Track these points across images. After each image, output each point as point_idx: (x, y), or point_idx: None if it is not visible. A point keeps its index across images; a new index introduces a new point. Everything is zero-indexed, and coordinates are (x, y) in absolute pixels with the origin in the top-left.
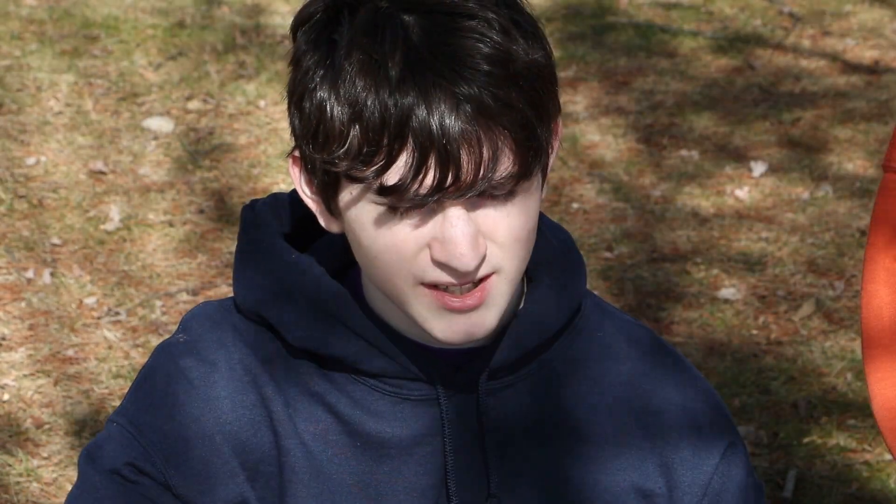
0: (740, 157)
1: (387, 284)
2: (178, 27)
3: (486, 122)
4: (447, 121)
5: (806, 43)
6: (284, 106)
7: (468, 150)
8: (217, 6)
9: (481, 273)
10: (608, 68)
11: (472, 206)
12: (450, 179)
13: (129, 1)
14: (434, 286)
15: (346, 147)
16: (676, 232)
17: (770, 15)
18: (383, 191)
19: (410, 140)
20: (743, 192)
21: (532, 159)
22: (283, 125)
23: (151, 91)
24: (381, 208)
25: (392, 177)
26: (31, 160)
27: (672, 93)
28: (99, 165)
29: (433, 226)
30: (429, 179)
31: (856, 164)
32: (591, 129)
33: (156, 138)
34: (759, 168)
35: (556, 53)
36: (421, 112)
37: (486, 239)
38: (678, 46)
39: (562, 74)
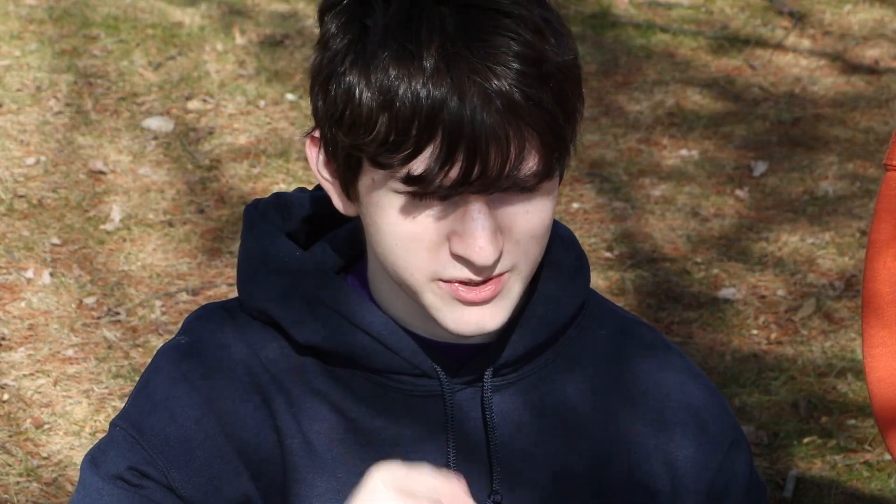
0: (740, 157)
1: (402, 273)
2: (178, 27)
3: (515, 120)
4: (478, 115)
5: (806, 43)
6: (284, 105)
7: (496, 146)
8: (217, 6)
9: (498, 270)
10: (608, 68)
11: (493, 202)
12: (476, 174)
13: (128, 1)
14: (449, 281)
15: (373, 134)
16: (676, 232)
17: (770, 15)
18: (408, 180)
19: (440, 132)
20: (743, 192)
21: (557, 159)
22: (283, 125)
23: (151, 91)
24: (404, 197)
25: (418, 166)
26: (30, 160)
27: (672, 93)
28: (99, 165)
29: (454, 219)
30: (455, 172)
31: (856, 164)
32: (591, 129)
33: (156, 138)
34: (759, 168)
35: None
36: (453, 104)
37: (504, 235)
38: (678, 46)
39: None
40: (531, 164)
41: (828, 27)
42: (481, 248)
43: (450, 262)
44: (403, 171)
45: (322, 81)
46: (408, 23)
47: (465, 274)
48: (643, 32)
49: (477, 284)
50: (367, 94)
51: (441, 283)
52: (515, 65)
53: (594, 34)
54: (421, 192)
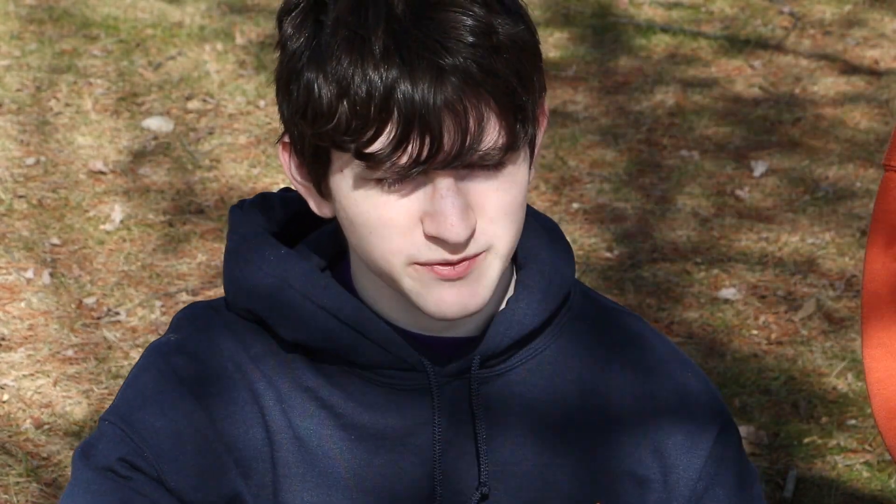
0: (740, 157)
1: (379, 262)
2: (178, 27)
3: (471, 91)
4: (431, 92)
5: (806, 43)
6: None
7: (454, 119)
8: (217, 6)
9: (473, 250)
10: (608, 68)
11: (461, 178)
12: (433, 151)
13: (128, 1)
14: (425, 264)
15: (334, 122)
16: (676, 232)
17: (770, 15)
18: (368, 161)
19: (395, 112)
20: (743, 192)
21: (519, 129)
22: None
23: (151, 91)
24: (371, 183)
25: (377, 147)
26: (30, 160)
27: (672, 93)
28: (99, 165)
29: (424, 199)
30: (412, 150)
31: (856, 164)
32: (591, 129)
33: (156, 138)
34: (759, 168)
35: (556, 53)
36: (405, 84)
37: (477, 214)
38: (678, 46)
39: (562, 74)
40: (493, 136)
41: (828, 27)
42: (452, 224)
43: (424, 244)
44: (364, 153)
45: (283, 84)
46: (357, 10)
47: (441, 255)
48: (643, 32)
49: (454, 265)
50: (325, 88)
51: (418, 267)
52: (467, 38)
53: (594, 34)
54: (385, 173)
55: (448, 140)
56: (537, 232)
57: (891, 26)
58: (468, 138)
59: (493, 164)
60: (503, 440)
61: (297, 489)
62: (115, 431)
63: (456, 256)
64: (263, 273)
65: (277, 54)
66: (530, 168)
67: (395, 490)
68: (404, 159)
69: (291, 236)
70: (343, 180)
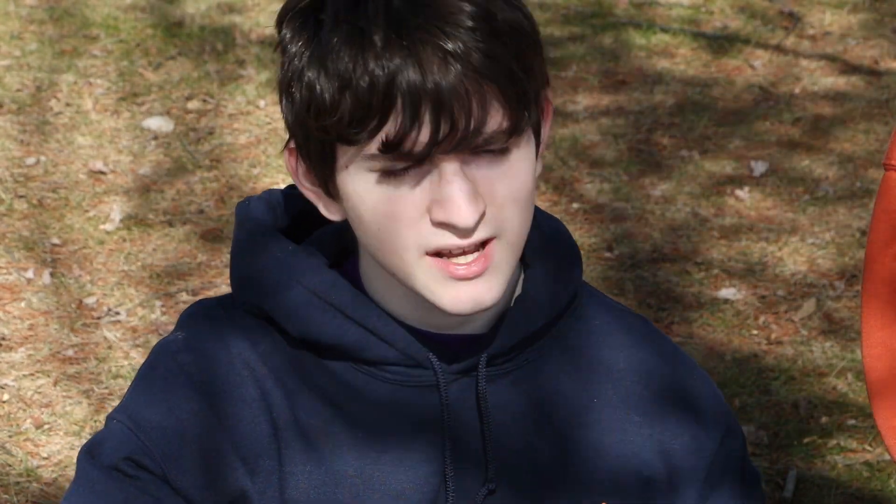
0: (740, 157)
1: (392, 258)
2: (178, 27)
3: (473, 76)
4: (433, 77)
5: (806, 43)
6: None
7: (458, 103)
8: (216, 6)
9: (482, 235)
10: (608, 68)
11: (466, 164)
12: (438, 135)
13: (129, 1)
14: (438, 254)
15: (337, 116)
16: (676, 232)
17: (770, 15)
18: (382, 149)
19: (399, 99)
20: (743, 192)
21: (522, 112)
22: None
23: (151, 91)
24: (377, 176)
25: (382, 136)
26: (30, 160)
27: (672, 93)
28: (99, 165)
29: (430, 188)
30: (417, 136)
31: (856, 164)
32: (591, 129)
33: (156, 138)
34: (759, 168)
35: (556, 53)
36: (408, 71)
37: (485, 200)
38: (678, 46)
39: (562, 74)
40: (497, 119)
41: (828, 27)
42: (460, 208)
43: (431, 231)
44: (374, 145)
45: (285, 86)
46: (355, 4)
47: (451, 240)
48: (643, 32)
49: (466, 260)
50: (326, 85)
51: (429, 259)
52: (467, 22)
53: (594, 34)
54: (395, 160)
55: (453, 124)
56: (544, 232)
57: (891, 26)
58: (472, 121)
59: (498, 150)
60: (509, 437)
61: (304, 486)
62: (121, 430)
63: (466, 241)
64: (270, 270)
65: (279, 58)
66: (537, 158)
67: (402, 487)
68: (409, 145)
69: (298, 233)
70: (349, 177)
